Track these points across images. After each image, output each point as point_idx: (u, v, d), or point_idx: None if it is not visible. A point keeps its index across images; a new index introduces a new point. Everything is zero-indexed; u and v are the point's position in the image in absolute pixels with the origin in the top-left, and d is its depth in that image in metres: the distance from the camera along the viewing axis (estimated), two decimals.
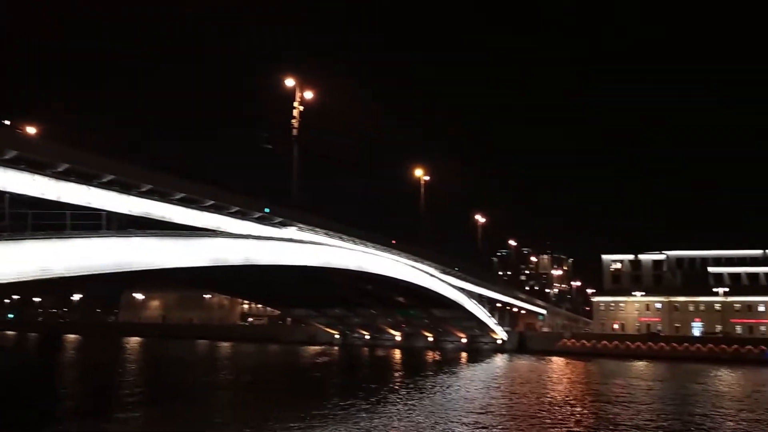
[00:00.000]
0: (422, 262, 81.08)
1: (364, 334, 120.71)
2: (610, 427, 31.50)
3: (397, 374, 62.44)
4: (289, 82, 54.02)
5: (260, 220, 43.32)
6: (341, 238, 56.83)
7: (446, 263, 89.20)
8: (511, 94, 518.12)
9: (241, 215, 41.12)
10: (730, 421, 35.28)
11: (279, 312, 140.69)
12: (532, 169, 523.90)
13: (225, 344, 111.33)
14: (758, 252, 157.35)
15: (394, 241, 71.75)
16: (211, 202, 37.65)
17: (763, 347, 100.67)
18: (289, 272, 53.72)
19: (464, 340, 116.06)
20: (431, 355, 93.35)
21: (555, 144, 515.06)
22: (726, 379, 65.68)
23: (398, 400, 39.71)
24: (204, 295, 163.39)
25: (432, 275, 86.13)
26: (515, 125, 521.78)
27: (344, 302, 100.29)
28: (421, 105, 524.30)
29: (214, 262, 38.63)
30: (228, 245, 40.04)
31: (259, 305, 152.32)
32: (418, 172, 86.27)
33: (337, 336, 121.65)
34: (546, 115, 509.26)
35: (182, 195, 35.24)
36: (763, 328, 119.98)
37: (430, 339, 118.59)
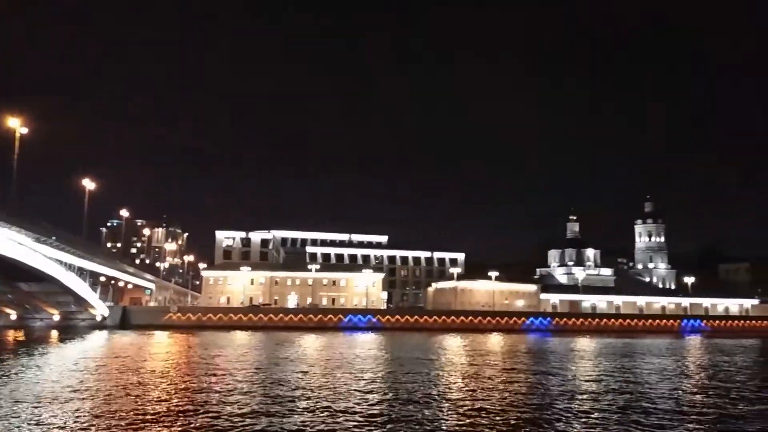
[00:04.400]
0: (10, 229, 69.62)
1: None
2: (199, 394, 33.14)
3: None
4: None
5: None
6: None
7: (42, 231, 78.48)
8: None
9: None
10: (302, 377, 41.22)
11: None
12: (153, 139, 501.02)
13: None
14: (345, 236, 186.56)
15: None
16: None
17: (341, 316, 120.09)
18: None
19: (57, 317, 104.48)
20: (12, 336, 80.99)
21: (175, 120, 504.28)
22: (310, 343, 76.07)
23: None
24: None
25: (22, 244, 74.80)
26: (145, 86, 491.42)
27: None
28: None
29: None
30: None
31: None
32: (13, 122, 72.63)
33: None
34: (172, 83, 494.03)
35: None
36: (342, 299, 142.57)
37: (14, 317, 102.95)
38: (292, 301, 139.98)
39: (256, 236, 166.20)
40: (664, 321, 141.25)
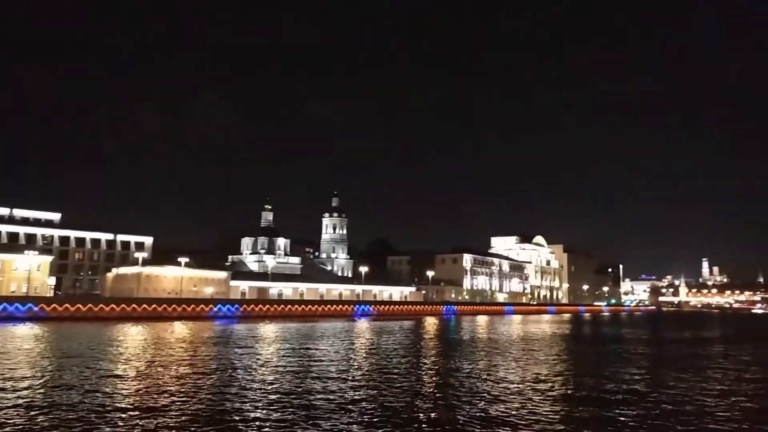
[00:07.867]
0: None
1: None
2: None
3: None
4: None
5: None
6: None
7: None
8: None
9: None
10: None
11: None
12: None
13: None
14: (4, 210, 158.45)
15: None
16: None
17: None
18: None
19: None
20: None
21: None
22: None
23: None
24: None
25: None
26: None
27: None
28: None
29: None
30: None
31: None
32: None
33: None
34: None
35: None
36: None
37: None
38: None
39: None
40: (340, 306, 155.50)
